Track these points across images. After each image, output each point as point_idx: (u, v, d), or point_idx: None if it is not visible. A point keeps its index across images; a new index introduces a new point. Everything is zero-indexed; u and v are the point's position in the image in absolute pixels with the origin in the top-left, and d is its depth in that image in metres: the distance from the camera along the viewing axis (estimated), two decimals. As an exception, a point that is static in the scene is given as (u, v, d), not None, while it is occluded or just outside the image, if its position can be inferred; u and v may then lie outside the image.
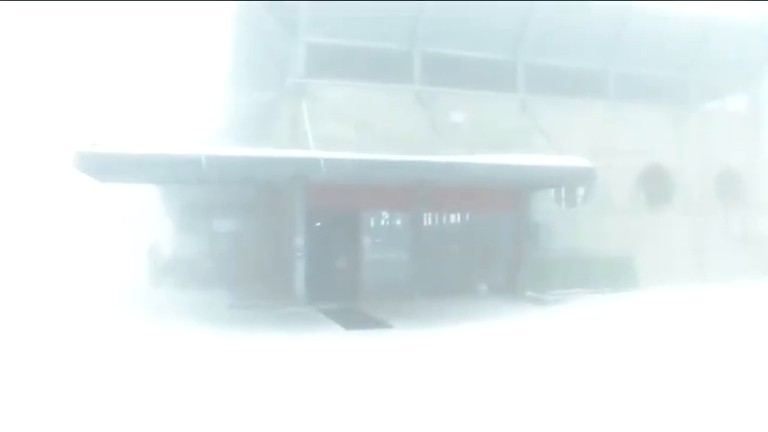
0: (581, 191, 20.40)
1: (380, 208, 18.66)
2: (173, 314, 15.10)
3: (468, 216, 19.53)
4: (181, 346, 11.18)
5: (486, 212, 19.22)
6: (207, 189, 19.98)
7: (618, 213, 20.39)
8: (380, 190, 17.42)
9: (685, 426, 7.49)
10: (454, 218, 19.84)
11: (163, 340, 11.64)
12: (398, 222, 19.28)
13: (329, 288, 16.54)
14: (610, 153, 19.99)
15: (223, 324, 13.66)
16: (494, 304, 16.66)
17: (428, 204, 18.26)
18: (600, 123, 20.43)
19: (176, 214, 23.03)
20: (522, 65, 19.75)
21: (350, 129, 18.09)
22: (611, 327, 13.12)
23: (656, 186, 20.95)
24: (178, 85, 27.78)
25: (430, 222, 19.36)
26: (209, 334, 12.36)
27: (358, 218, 17.98)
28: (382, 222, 19.24)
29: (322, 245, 16.91)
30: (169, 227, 24.14)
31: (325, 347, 11.42)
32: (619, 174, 20.28)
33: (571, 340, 11.88)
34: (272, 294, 16.64)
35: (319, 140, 17.24)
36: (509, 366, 10.02)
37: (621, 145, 20.54)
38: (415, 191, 17.69)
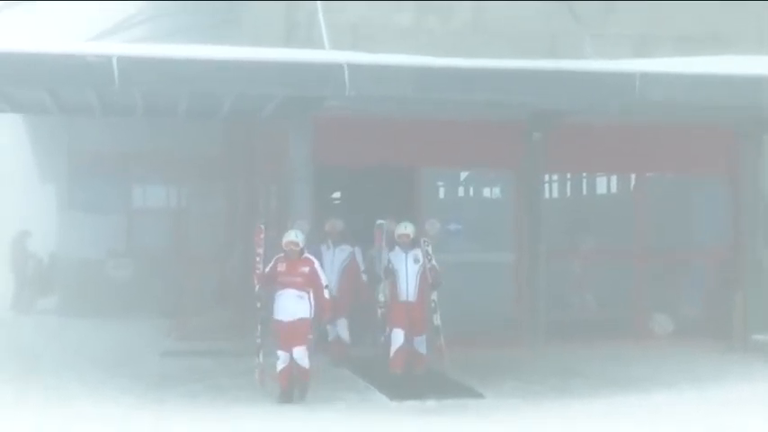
0: None
1: (458, 165, 15.94)
2: (43, 384, 11.39)
3: (632, 183, 17.00)
4: None
5: (669, 175, 16.94)
6: (121, 128, 17.38)
7: None
8: (459, 130, 14.60)
9: None
10: (605, 186, 17.55)
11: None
12: (494, 192, 16.99)
13: (352, 315, 13.34)
14: None
15: (149, 408, 10.20)
16: (695, 363, 13.34)
17: (553, 158, 15.18)
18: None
19: (63, 177, 20.06)
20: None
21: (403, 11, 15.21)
22: None
23: None
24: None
25: (557, 194, 17.42)
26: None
27: (414, 184, 15.21)
28: (461, 192, 16.92)
29: (343, 235, 13.68)
30: (49, 201, 21.26)
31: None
32: None
33: None
34: (243, 325, 13.99)
35: (342, 31, 14.62)
36: None
37: None
38: (526, 132, 14.87)
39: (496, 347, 14.71)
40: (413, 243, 12.34)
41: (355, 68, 12.17)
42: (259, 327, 11.14)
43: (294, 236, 11.17)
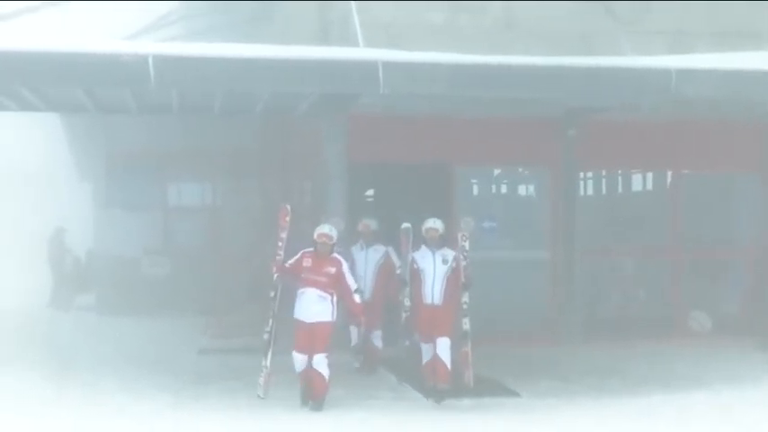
0: None
1: (493, 162, 15.99)
2: (82, 380, 11.44)
3: (668, 180, 16.98)
4: None
5: (707, 172, 16.71)
6: (156, 127, 17.43)
7: None
8: (494, 128, 14.78)
9: None
10: (641, 183, 17.34)
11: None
12: (529, 190, 16.89)
13: (386, 312, 13.07)
14: None
15: (186, 406, 10.23)
16: (733, 362, 13.17)
17: (588, 155, 15.47)
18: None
19: (99, 175, 20.00)
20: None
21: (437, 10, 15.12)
22: None
23: None
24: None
25: (592, 191, 17.16)
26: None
27: (448, 181, 15.42)
28: (495, 189, 16.83)
29: (376, 234, 13.31)
30: (85, 199, 21.19)
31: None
32: None
33: None
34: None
35: (375, 29, 14.36)
36: None
37: None
38: (561, 129, 15.11)
39: (532, 346, 14.68)
40: (441, 241, 11.34)
41: (389, 66, 12.05)
42: (270, 321, 10.21)
43: (328, 229, 10.47)
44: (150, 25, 21.70)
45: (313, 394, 9.87)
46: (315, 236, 10.20)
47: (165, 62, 11.66)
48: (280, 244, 10.46)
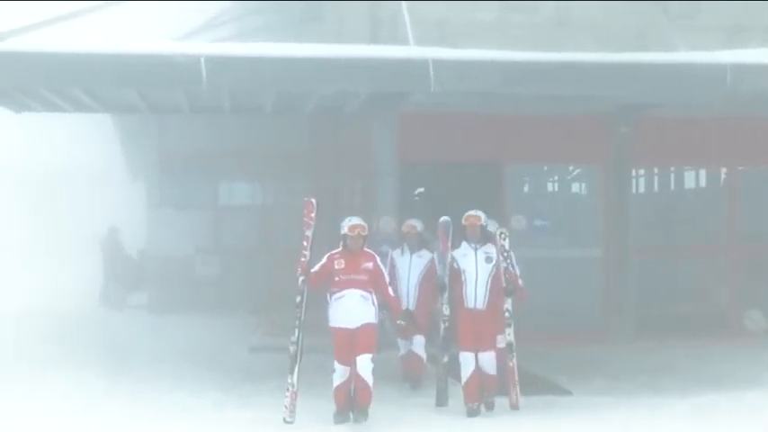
0: None
1: (544, 160, 15.88)
2: (137, 377, 11.74)
3: (725, 176, 16.76)
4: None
5: (762, 169, 16.68)
6: (208, 127, 17.68)
7: None
8: (545, 125, 14.72)
9: None
10: (695, 180, 17.22)
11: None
12: (581, 187, 17.13)
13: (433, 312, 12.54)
14: None
15: (238, 403, 10.27)
16: None
17: (640, 152, 15.22)
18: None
19: (151, 175, 20.28)
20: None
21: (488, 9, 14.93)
22: None
23: None
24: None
25: (644, 188, 17.10)
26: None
27: (499, 179, 15.34)
28: (549, 187, 17.08)
29: (422, 238, 12.54)
30: (138, 199, 21.54)
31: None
32: None
33: None
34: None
35: (425, 28, 14.07)
36: None
37: None
38: (613, 125, 15.01)
39: (584, 344, 14.48)
40: (484, 236, 9.96)
41: (440, 64, 12.04)
42: (296, 331, 8.87)
43: (359, 220, 9.30)
44: (202, 26, 21.74)
45: (357, 403, 8.86)
46: (345, 230, 9.11)
47: (216, 63, 11.65)
48: (305, 243, 9.29)
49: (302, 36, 18.00)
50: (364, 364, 8.66)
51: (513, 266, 9.93)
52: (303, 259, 9.02)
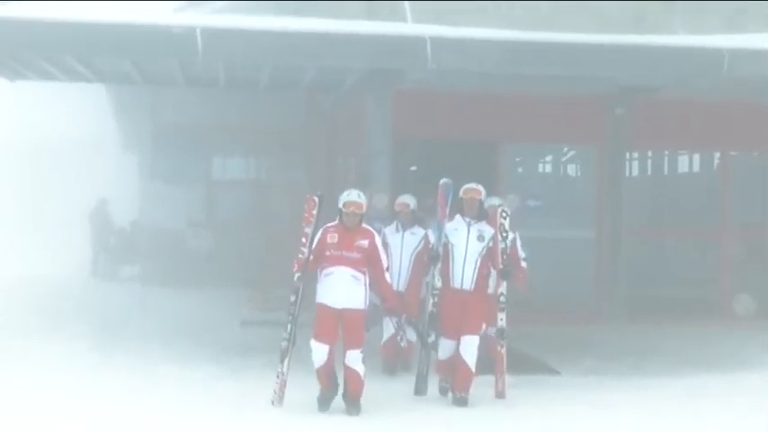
0: None
1: (540, 140, 15.73)
2: (128, 349, 11.65)
3: (718, 159, 16.84)
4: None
5: (757, 153, 16.62)
6: (202, 100, 17.63)
7: None
8: (540, 106, 14.61)
9: None
10: (688, 163, 17.34)
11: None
12: (575, 169, 17.26)
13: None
14: None
15: (231, 376, 10.34)
16: None
17: (636, 134, 15.23)
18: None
19: (143, 147, 20.33)
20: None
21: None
22: None
23: None
24: None
25: (637, 171, 17.17)
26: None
27: (494, 158, 15.17)
28: (541, 168, 17.19)
29: (415, 215, 12.36)
30: (129, 171, 21.50)
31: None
32: None
33: None
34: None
35: (423, 5, 14.38)
36: None
37: None
38: (609, 107, 14.94)
39: (575, 324, 14.50)
40: (480, 212, 9.31)
41: (438, 42, 11.84)
42: (289, 326, 8.62)
43: (357, 196, 8.70)
44: (200, -4, 21.51)
45: (349, 396, 8.49)
46: (341, 204, 8.60)
47: (213, 34, 11.46)
48: (304, 240, 8.80)
49: (300, 10, 17.66)
50: (353, 356, 8.27)
51: (517, 248, 9.50)
52: (301, 256, 8.61)
